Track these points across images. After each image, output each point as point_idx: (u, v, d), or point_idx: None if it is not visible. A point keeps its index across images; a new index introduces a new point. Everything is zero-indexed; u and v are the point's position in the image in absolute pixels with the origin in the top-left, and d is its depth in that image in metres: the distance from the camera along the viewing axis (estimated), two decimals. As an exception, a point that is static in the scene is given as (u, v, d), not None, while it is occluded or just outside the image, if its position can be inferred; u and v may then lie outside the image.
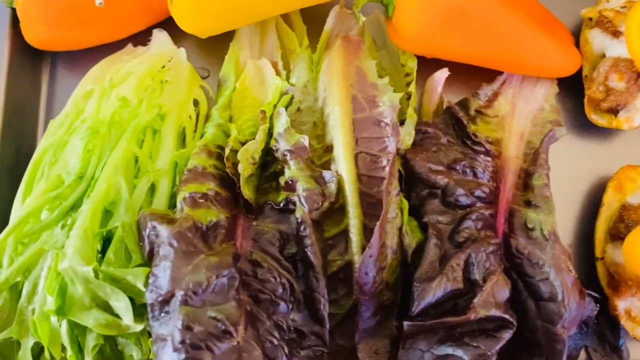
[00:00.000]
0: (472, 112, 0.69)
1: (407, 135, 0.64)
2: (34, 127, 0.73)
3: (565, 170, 0.70)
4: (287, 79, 0.69)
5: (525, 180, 0.64)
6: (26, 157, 0.70)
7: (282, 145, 0.60)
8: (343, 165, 0.59)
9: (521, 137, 0.68)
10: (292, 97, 0.66)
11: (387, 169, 0.59)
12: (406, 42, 0.67)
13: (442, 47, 0.67)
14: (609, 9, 0.68)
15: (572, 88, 0.71)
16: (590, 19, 0.69)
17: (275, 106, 0.65)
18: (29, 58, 0.72)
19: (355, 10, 0.65)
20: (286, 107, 0.64)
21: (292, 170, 0.58)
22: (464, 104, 0.69)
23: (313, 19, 0.71)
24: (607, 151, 0.71)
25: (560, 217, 0.63)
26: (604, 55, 0.68)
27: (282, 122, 0.60)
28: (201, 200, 0.55)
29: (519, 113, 0.69)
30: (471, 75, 0.71)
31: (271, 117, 0.64)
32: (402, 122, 0.64)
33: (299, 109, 0.65)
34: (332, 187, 0.58)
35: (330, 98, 0.63)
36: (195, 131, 0.66)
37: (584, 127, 0.71)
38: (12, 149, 0.70)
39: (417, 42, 0.67)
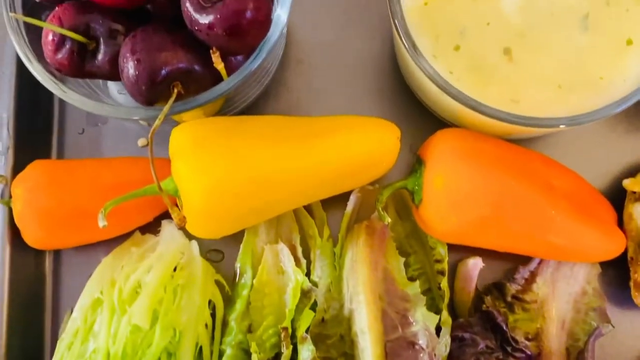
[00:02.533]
0: (509, 299, 0.64)
1: (444, 346, 0.59)
2: (41, 321, 0.68)
3: (611, 352, 0.65)
4: (308, 270, 0.65)
5: (571, 389, 0.59)
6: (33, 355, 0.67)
7: (308, 381, 0.55)
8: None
9: (562, 326, 0.63)
10: (315, 303, 0.61)
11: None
12: (434, 234, 0.62)
13: (474, 242, 0.62)
14: (655, 187, 0.63)
15: (614, 261, 0.66)
16: (634, 192, 0.64)
17: (297, 307, 0.61)
18: (31, 253, 0.67)
19: (379, 207, 0.60)
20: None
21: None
22: (500, 290, 0.64)
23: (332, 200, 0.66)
24: (657, 335, 0.66)
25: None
26: (650, 234, 0.63)
27: (306, 353, 0.56)
28: None
29: (559, 296, 0.64)
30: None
31: (292, 322, 0.60)
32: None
33: (323, 320, 0.61)
34: None
35: (357, 314, 0.59)
36: (212, 341, 0.62)
37: (629, 304, 0.66)
38: (19, 346, 0.66)
39: (447, 237, 0.62)
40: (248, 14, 0.52)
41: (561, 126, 0.55)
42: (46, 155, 0.71)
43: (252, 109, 0.71)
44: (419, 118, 0.70)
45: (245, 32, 0.53)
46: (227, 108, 0.67)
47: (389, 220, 0.60)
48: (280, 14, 0.58)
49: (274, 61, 0.66)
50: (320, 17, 0.73)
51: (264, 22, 0.54)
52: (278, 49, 0.66)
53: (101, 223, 0.55)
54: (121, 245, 0.67)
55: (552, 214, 0.60)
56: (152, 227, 0.68)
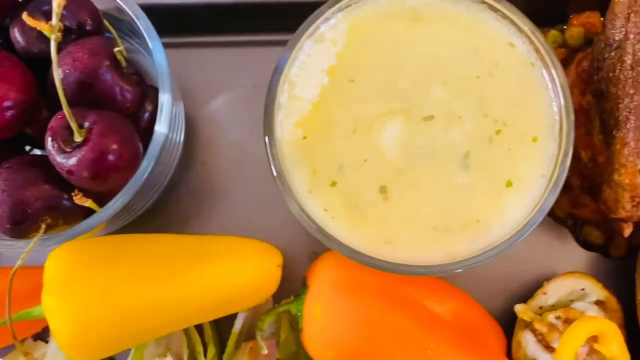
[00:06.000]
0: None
1: None
2: None
3: None
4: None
5: None
6: None
7: None
8: None
9: None
10: None
11: None
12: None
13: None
14: (542, 321, 0.61)
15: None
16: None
17: None
18: None
19: (259, 335, 0.60)
20: None
21: None
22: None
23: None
24: None
25: None
26: (537, 364, 0.62)
27: None
28: None
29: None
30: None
31: None
32: None
33: None
34: None
35: None
36: None
37: None
38: None
39: (328, 366, 0.62)
40: (109, 160, 0.52)
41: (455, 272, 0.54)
42: None
43: (153, 211, 0.70)
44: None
45: (106, 177, 0.52)
46: (124, 215, 0.66)
47: (266, 351, 0.59)
48: (160, 130, 0.57)
49: (165, 171, 0.65)
50: (226, 118, 0.73)
51: (128, 166, 0.53)
52: (169, 158, 0.65)
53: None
54: (12, 353, 0.67)
55: (430, 347, 0.59)
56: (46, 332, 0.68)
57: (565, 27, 0.70)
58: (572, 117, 0.56)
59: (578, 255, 0.69)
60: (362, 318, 0.58)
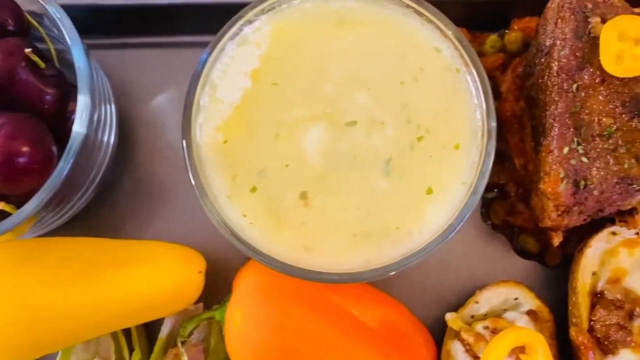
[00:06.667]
0: None
1: None
2: None
3: None
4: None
5: None
6: None
7: None
8: None
9: None
10: None
11: None
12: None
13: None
14: (469, 331, 0.60)
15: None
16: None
17: None
18: None
19: (180, 341, 0.59)
20: None
21: None
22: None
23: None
24: None
25: None
26: (466, 374, 0.61)
27: None
28: None
29: None
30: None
31: None
32: None
33: None
34: None
35: None
36: None
37: None
38: None
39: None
40: (18, 162, 0.51)
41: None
42: None
43: (87, 213, 0.69)
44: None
45: (17, 179, 0.52)
46: (52, 217, 0.65)
47: (186, 358, 0.58)
48: (77, 130, 0.56)
49: (91, 173, 0.64)
50: (163, 119, 0.72)
51: (40, 168, 0.52)
52: (96, 160, 0.63)
53: None
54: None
55: (352, 355, 0.58)
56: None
57: (507, 31, 0.70)
58: (494, 124, 0.55)
59: (516, 263, 0.68)
60: (282, 325, 0.57)
